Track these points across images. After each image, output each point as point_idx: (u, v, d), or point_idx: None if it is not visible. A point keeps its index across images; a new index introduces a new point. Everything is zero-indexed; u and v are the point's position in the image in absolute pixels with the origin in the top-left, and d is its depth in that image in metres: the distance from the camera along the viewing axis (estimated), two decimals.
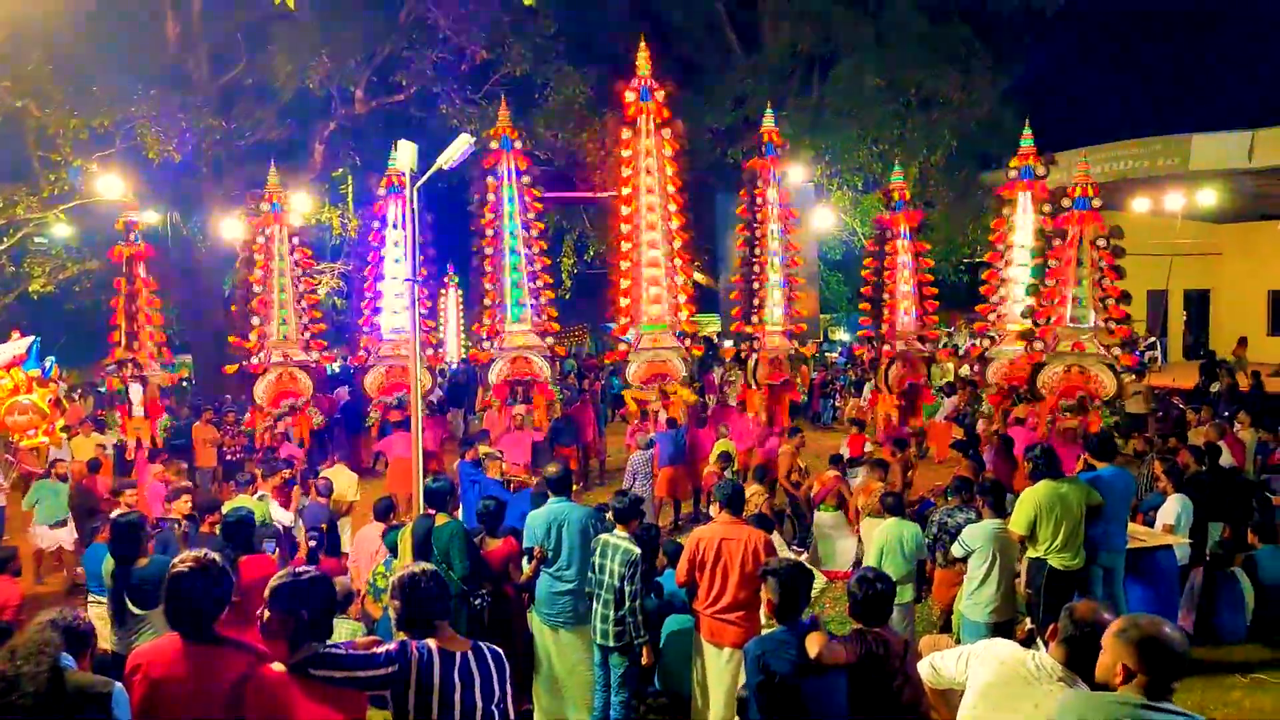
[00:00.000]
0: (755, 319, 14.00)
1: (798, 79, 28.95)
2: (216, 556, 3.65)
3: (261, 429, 14.29)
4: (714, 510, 6.28)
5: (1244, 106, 26.32)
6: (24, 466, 14.56)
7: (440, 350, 27.02)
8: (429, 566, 3.72)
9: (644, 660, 6.17)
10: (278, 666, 3.37)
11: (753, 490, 9.50)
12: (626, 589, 5.94)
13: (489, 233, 13.98)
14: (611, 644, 6.06)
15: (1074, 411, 11.87)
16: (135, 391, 13.26)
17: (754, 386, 13.90)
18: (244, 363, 14.66)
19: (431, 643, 3.53)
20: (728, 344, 14.32)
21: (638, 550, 6.03)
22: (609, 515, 6.42)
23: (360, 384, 15.69)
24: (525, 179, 13.94)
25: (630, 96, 13.32)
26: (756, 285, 13.92)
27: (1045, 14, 26.89)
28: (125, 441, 14.14)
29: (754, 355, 13.95)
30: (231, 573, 3.71)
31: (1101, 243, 11.87)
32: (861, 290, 15.18)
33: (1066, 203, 12.00)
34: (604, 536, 6.19)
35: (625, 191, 13.35)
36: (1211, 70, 32.83)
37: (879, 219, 14.91)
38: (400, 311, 14.87)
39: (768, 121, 13.84)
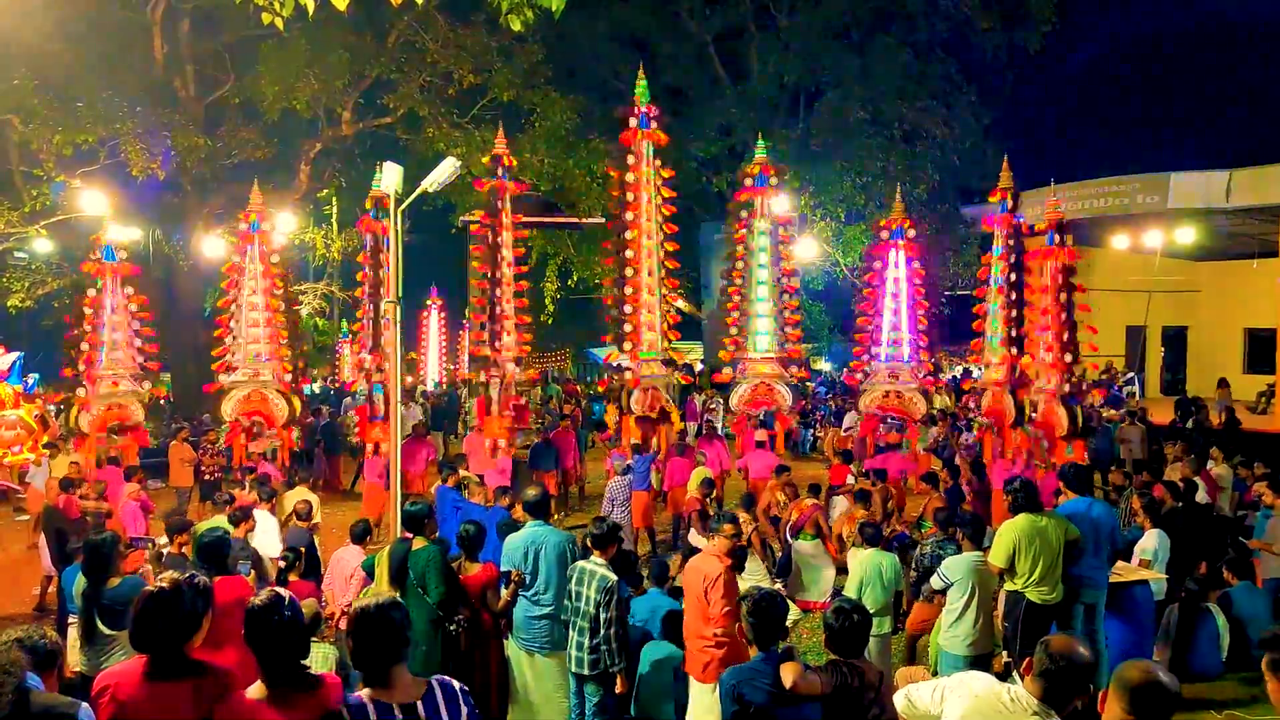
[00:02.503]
0: (740, 345, 13.98)
1: (783, 110, 29.23)
2: (202, 578, 3.61)
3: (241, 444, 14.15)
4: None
5: (1223, 146, 26.75)
6: (0, 484, 14.42)
7: (418, 372, 27.05)
8: (386, 600, 3.41)
9: (618, 688, 6.12)
10: (250, 693, 3.32)
11: (742, 518, 9.49)
12: (602, 616, 5.90)
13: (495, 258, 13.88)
14: (586, 672, 6.01)
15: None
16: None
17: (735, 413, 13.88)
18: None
19: (365, 696, 3.26)
20: (727, 369, 14.22)
21: (614, 577, 6.00)
22: (586, 541, 6.39)
23: (340, 404, 15.57)
24: (508, 205, 13.90)
25: (631, 123, 13.37)
26: (738, 314, 13.92)
27: (1028, 52, 27.31)
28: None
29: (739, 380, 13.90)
30: (209, 594, 3.68)
31: (1061, 278, 11.99)
32: (858, 320, 15.11)
33: (1040, 239, 12.08)
34: (580, 563, 6.15)
35: (629, 217, 13.33)
36: (1191, 110, 33.38)
37: (876, 248, 14.83)
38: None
39: (760, 153, 13.95)
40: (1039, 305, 12.20)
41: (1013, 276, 12.93)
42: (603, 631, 5.90)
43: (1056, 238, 11.99)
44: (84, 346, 12.84)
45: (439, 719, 3.29)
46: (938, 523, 8.47)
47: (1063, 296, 11.93)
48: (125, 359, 13.08)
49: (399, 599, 3.59)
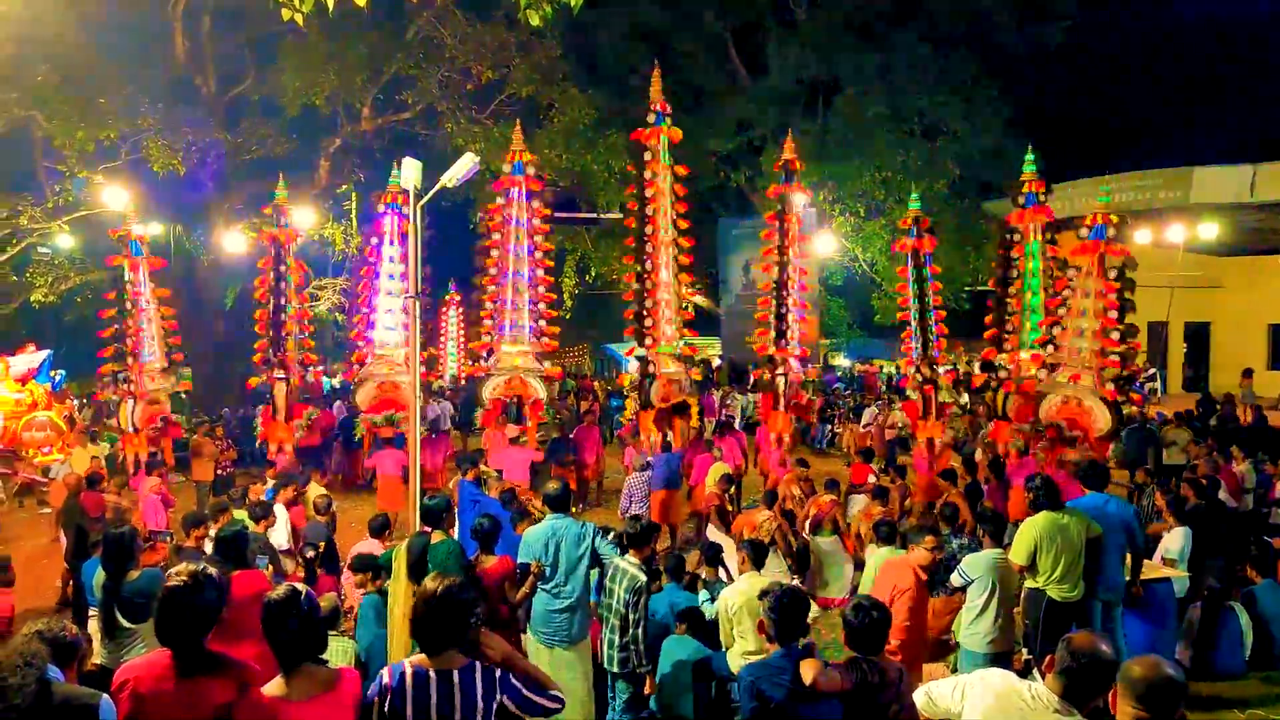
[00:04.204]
0: (782, 342, 13.87)
1: (802, 106, 29.13)
2: (213, 570, 3.62)
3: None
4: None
5: (1247, 141, 26.41)
6: (25, 476, 14.55)
7: (438, 368, 27.11)
8: (456, 582, 3.61)
9: (646, 689, 6.16)
10: (269, 689, 3.33)
11: (765, 516, 9.47)
12: (630, 616, 5.92)
13: (494, 253, 13.96)
14: (616, 669, 6.06)
15: (1066, 445, 11.73)
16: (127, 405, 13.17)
17: (777, 409, 13.74)
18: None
19: (408, 664, 3.48)
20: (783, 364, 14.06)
21: (644, 578, 6.01)
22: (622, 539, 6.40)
23: (352, 399, 15.64)
24: (535, 202, 13.94)
25: (648, 119, 13.34)
26: (785, 310, 13.78)
27: (1049, 45, 27.11)
28: (120, 454, 14.06)
29: (779, 378, 13.80)
30: (225, 587, 3.68)
31: (1113, 274, 11.76)
32: (899, 316, 15.01)
33: (1084, 232, 11.87)
34: (615, 560, 6.17)
35: (646, 213, 13.32)
36: (1215, 104, 33.01)
37: (902, 244, 14.73)
38: (395, 328, 14.83)
39: (788, 150, 13.91)
40: (1077, 305, 11.96)
41: (1013, 273, 12.86)
42: (630, 631, 5.94)
43: (1110, 231, 11.79)
44: (129, 340, 12.92)
45: (472, 690, 3.43)
46: (944, 519, 8.44)
47: (1110, 294, 11.72)
48: (156, 353, 13.18)
49: (469, 583, 3.71)
